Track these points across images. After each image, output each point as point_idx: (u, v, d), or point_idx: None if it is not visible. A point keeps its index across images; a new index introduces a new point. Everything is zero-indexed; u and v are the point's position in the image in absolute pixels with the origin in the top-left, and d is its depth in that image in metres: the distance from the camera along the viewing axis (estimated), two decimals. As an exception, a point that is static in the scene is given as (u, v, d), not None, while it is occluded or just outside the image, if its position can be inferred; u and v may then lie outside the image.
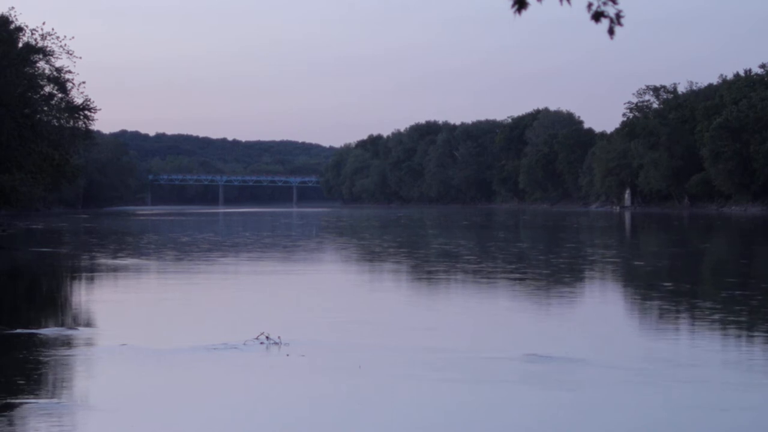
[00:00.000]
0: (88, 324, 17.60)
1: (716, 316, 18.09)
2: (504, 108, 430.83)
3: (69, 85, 61.26)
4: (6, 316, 18.67)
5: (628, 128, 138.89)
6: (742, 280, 26.39)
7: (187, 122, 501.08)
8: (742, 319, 17.77)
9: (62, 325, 17.32)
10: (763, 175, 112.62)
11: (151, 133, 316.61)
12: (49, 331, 16.31)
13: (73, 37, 63.71)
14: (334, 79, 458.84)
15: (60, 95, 61.98)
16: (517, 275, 27.79)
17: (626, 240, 53.40)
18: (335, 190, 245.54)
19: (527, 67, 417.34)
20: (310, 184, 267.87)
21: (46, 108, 61.35)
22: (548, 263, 32.19)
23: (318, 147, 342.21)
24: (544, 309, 20.07)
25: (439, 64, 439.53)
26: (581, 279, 27.78)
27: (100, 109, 62.28)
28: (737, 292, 22.28)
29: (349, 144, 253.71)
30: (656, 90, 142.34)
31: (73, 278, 28.79)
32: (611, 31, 6.58)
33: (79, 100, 61.34)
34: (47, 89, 61.99)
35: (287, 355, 13.86)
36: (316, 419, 10.26)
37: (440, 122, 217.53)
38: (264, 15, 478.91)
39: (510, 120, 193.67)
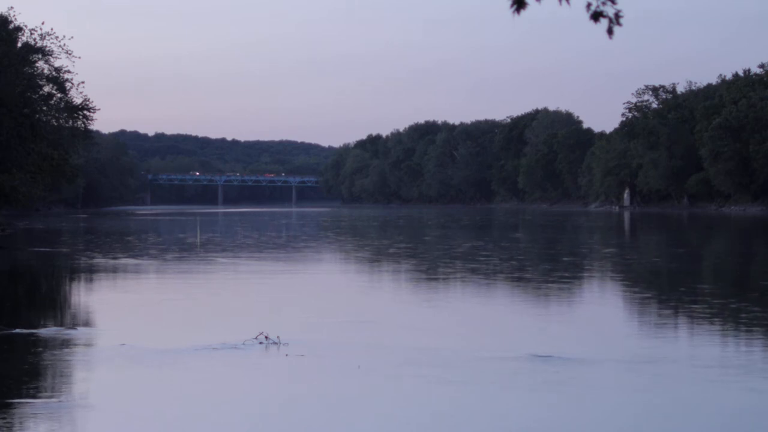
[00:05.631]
0: (88, 324, 17.60)
1: (737, 318, 18.09)
2: (503, 107, 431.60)
3: (68, 84, 61.30)
4: (6, 316, 18.66)
5: (627, 128, 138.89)
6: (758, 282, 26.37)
7: (186, 122, 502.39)
8: (745, 321, 17.77)
9: (61, 325, 17.32)
10: (763, 175, 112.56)
11: (151, 133, 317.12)
12: (49, 331, 16.31)
13: (72, 37, 63.48)
14: (334, 79, 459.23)
15: (59, 95, 61.96)
16: (553, 276, 27.75)
17: (643, 241, 53.39)
18: (334, 189, 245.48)
19: (526, 66, 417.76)
20: (309, 184, 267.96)
21: (45, 108, 61.33)
22: (576, 266, 32.03)
23: (317, 147, 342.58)
24: (565, 309, 20.06)
25: (439, 63, 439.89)
26: (614, 280, 27.74)
27: (99, 109, 62.32)
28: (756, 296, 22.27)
29: (348, 144, 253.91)
30: (655, 90, 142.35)
31: (72, 278, 28.78)
32: (610, 31, 6.59)
33: (78, 100, 61.36)
34: (46, 89, 61.98)
35: (286, 355, 13.85)
36: (316, 419, 10.25)
37: (439, 122, 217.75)
38: (264, 14, 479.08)
39: (509, 120, 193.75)
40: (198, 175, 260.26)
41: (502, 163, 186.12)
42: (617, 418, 10.25)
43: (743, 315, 18.20)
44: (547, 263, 32.77)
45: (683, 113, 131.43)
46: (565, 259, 35.05)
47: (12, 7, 60.26)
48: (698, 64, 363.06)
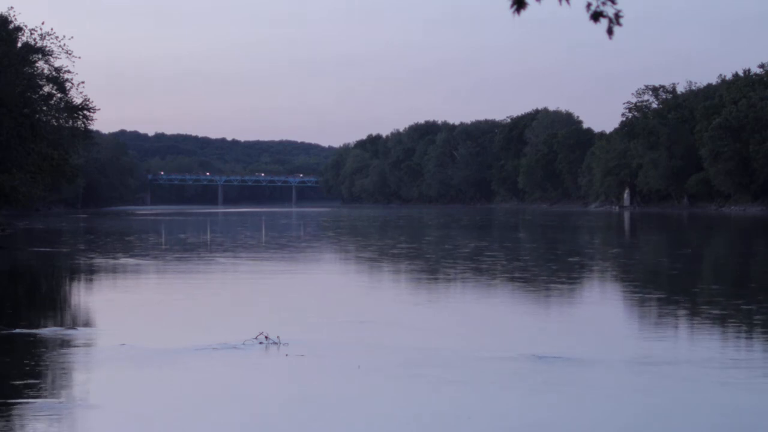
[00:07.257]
0: (88, 324, 17.59)
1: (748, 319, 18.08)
2: (503, 107, 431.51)
3: (68, 84, 61.30)
4: (6, 316, 18.66)
5: (627, 128, 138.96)
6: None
7: (186, 122, 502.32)
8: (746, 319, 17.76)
9: (61, 325, 17.31)
10: (763, 175, 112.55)
11: (151, 133, 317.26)
12: (49, 331, 16.30)
13: (72, 37, 63.42)
14: (334, 79, 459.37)
15: (59, 95, 61.96)
16: (566, 277, 27.73)
17: (645, 241, 53.38)
18: (334, 189, 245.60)
19: (526, 66, 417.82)
20: (309, 184, 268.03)
21: (45, 108, 61.33)
22: (582, 266, 31.95)
23: (317, 147, 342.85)
24: (583, 310, 20.06)
25: (439, 63, 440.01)
26: (621, 281, 27.69)
27: (99, 109, 62.32)
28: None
29: (348, 144, 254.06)
30: (655, 90, 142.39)
31: (72, 278, 28.77)
32: (610, 31, 6.60)
33: (78, 100, 61.35)
34: (46, 89, 61.98)
35: (286, 355, 13.85)
36: (316, 419, 10.25)
37: (439, 122, 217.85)
38: (264, 14, 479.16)
39: (509, 120, 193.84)
40: (198, 176, 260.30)
41: (502, 163, 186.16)
42: (617, 418, 10.25)
43: (749, 316, 18.18)
44: (552, 263, 32.71)
45: (683, 113, 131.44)
46: (571, 259, 35.01)
47: (12, 7, 60.29)
48: (698, 64, 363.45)
